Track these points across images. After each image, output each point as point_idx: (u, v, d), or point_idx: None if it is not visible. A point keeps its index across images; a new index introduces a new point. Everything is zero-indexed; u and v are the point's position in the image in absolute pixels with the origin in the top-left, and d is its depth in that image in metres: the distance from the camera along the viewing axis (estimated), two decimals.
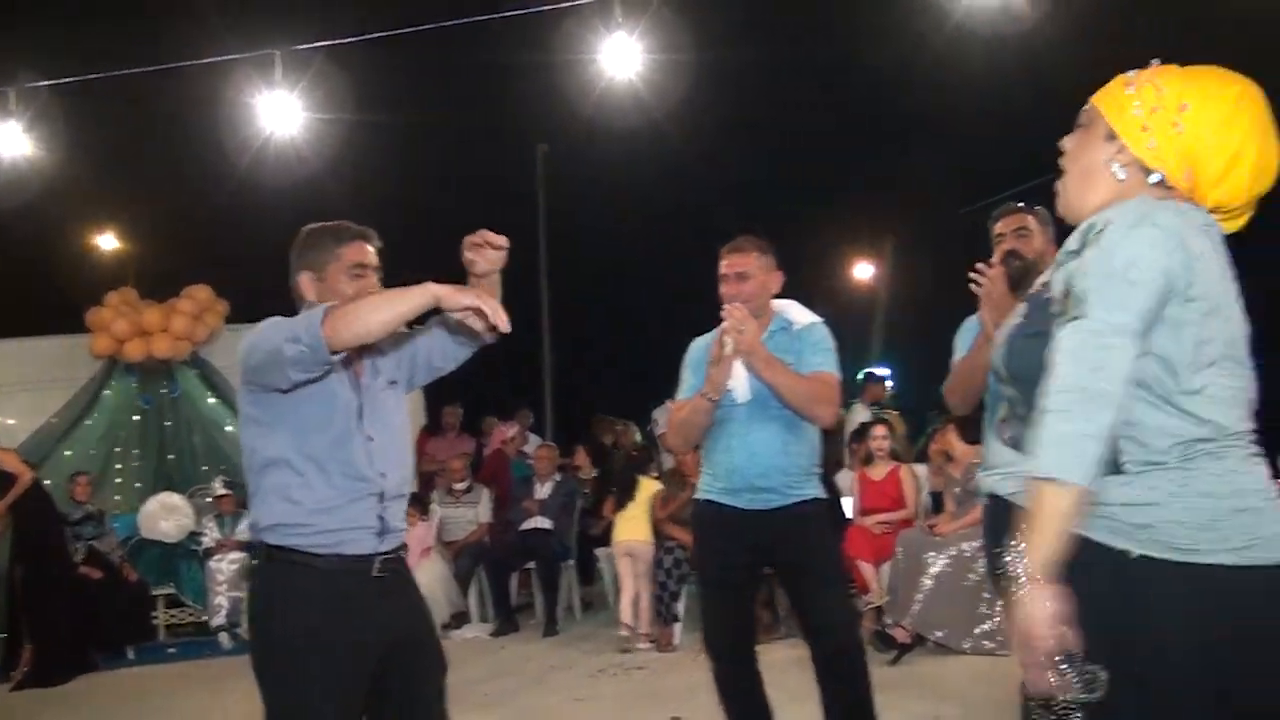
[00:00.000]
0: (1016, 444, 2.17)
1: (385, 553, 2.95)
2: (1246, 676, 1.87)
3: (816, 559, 3.95)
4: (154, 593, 9.17)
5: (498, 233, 2.93)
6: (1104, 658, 1.86)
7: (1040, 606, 1.85)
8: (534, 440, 11.39)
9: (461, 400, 11.21)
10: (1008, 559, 1.97)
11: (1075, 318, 1.91)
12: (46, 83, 8.16)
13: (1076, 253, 1.99)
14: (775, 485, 3.92)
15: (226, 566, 8.88)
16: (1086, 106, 2.14)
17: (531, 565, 8.81)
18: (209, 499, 9.44)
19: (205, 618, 9.04)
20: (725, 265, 3.99)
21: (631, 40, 7.82)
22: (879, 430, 7.86)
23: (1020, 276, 3.65)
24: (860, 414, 9.73)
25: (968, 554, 6.66)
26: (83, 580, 8.41)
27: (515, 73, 10.83)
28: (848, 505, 7.95)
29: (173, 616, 9.42)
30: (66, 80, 8.14)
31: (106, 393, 10.17)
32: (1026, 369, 2.12)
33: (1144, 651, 1.87)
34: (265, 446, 2.90)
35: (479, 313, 2.65)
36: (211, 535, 9.05)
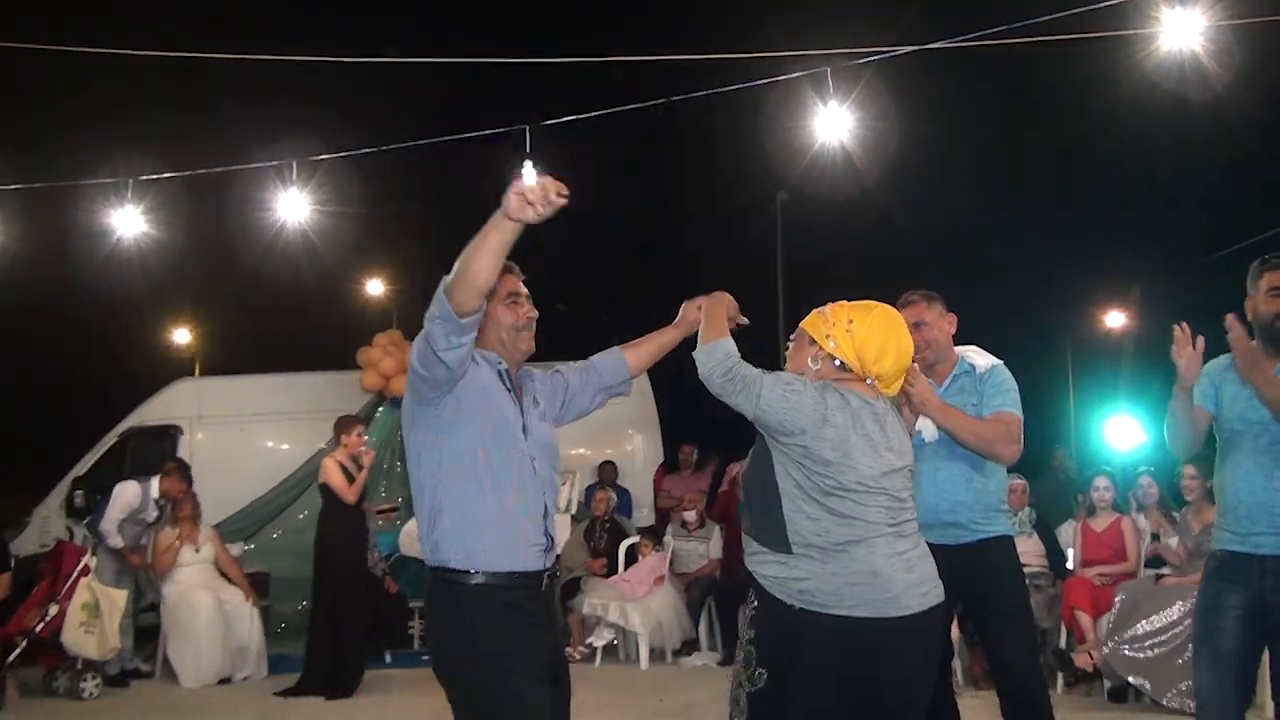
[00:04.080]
0: (747, 531, 3.22)
1: (549, 569, 3.15)
2: (873, 683, 2.97)
3: (1003, 596, 4.09)
4: (411, 604, 9.80)
5: (737, 281, 3.16)
6: (768, 666, 3.04)
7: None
8: None
9: (697, 439, 11.60)
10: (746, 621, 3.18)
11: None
12: (336, 154, 9.19)
13: None
14: (963, 521, 4.12)
15: None
16: (797, 330, 3.31)
17: None
18: None
19: None
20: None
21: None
22: (1101, 482, 7.87)
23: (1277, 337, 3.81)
24: None
25: (1188, 611, 6.47)
26: None
27: (765, 135, 11.36)
28: (1069, 556, 8.01)
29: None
30: (354, 151, 9.15)
31: (374, 421, 10.86)
32: (750, 480, 3.25)
33: (797, 664, 3.00)
34: (445, 458, 3.06)
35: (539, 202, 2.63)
36: None
